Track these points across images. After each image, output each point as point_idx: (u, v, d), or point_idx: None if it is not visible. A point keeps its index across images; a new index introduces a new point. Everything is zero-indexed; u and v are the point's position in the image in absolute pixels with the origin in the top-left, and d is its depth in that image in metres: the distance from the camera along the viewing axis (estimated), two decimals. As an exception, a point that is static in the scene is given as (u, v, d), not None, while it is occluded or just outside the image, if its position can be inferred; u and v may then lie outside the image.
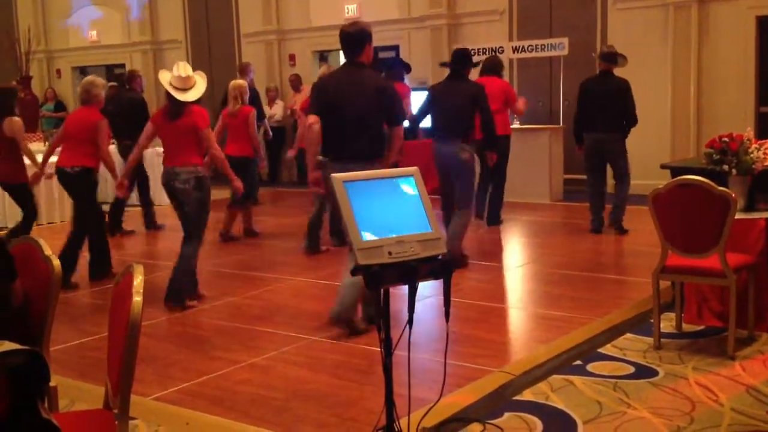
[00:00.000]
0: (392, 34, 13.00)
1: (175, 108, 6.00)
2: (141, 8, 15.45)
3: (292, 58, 14.29)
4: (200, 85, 6.05)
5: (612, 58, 8.27)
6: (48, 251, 3.03)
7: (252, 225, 8.86)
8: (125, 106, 9.25)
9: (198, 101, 6.07)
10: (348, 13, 13.45)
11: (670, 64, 10.54)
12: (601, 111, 8.08)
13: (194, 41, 15.41)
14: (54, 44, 17.64)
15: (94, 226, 7.03)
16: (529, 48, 10.99)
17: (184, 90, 5.96)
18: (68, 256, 6.68)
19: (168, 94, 6.01)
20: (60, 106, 16.14)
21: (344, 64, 5.43)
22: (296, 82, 13.26)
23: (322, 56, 14.50)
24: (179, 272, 6.09)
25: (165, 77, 6.02)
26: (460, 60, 7.20)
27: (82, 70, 17.47)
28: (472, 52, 11.31)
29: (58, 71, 17.70)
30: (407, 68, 9.73)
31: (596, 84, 8.29)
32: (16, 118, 7.25)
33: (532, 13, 11.73)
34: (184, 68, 6.02)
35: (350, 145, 5.19)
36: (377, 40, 14.52)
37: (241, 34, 14.74)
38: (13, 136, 7.13)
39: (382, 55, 13.76)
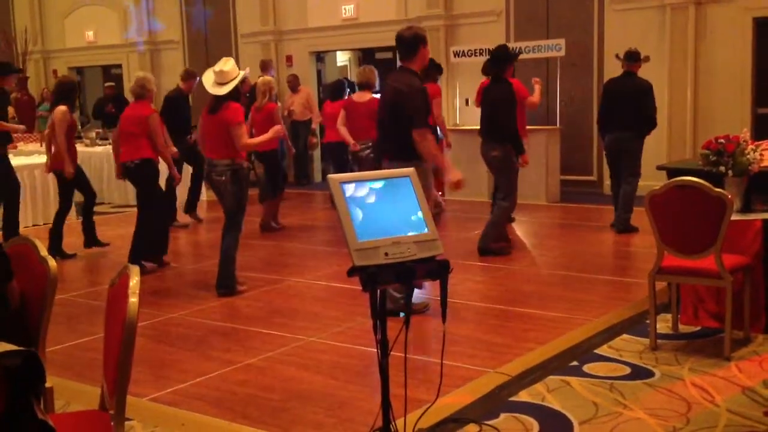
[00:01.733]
0: (389, 35, 12.89)
1: (214, 102, 6.25)
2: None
3: (289, 59, 14.28)
4: (236, 81, 6.22)
5: (635, 57, 8.35)
6: (44, 252, 3.03)
7: (277, 218, 9.28)
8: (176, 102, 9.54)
9: (236, 98, 6.31)
10: (345, 14, 13.44)
11: (666, 65, 10.54)
12: (620, 110, 8.21)
13: (191, 42, 15.39)
14: (50, 44, 17.63)
15: (154, 214, 7.38)
16: (527, 49, 11.00)
17: (221, 84, 6.18)
18: (150, 240, 7.29)
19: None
20: (56, 106, 16.10)
21: (398, 67, 5.89)
22: (294, 83, 13.24)
23: (319, 57, 14.50)
24: (223, 262, 6.36)
25: (209, 73, 6.28)
26: (493, 63, 7.75)
27: (79, 71, 17.48)
28: (476, 51, 11.33)
29: (55, 71, 17.66)
30: (439, 70, 9.82)
31: (617, 84, 8.41)
32: (62, 107, 7.74)
33: (529, 14, 11.73)
34: (223, 63, 6.25)
35: (384, 145, 5.71)
36: (373, 41, 14.55)
37: (239, 35, 14.73)
38: (54, 122, 7.66)
39: (379, 56, 13.77)
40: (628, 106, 8.16)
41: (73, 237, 8.44)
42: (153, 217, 7.37)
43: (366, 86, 8.68)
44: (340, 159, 9.33)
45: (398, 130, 5.50)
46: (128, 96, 15.39)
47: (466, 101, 11.76)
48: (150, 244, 7.38)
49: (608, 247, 8.03)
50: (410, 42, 5.56)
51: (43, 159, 9.10)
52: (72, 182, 7.97)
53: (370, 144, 8.31)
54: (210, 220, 9.88)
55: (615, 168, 8.49)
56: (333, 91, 10.14)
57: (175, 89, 9.74)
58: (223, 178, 6.19)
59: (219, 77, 6.17)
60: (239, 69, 6.33)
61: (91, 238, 8.25)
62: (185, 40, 15.46)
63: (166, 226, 7.74)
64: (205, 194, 10.68)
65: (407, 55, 5.60)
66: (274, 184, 9.00)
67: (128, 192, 10.93)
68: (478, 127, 7.79)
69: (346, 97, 9.45)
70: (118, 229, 9.26)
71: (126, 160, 7.29)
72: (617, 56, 8.68)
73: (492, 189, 9.66)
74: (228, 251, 6.34)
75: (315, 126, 12.68)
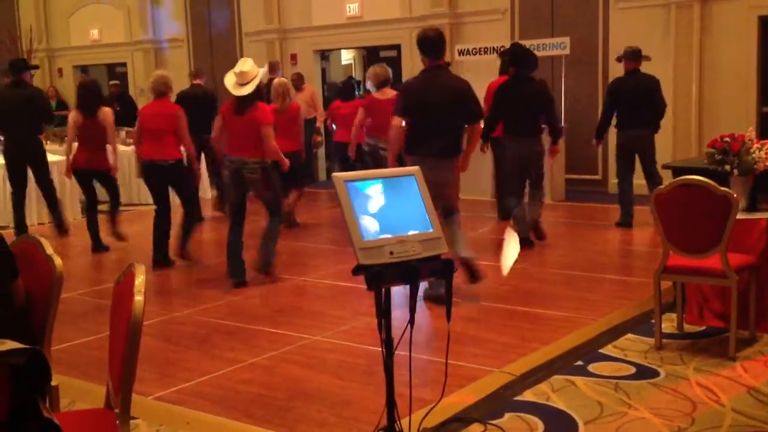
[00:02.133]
0: (394, 33, 12.98)
1: (239, 103, 6.35)
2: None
3: (293, 57, 14.28)
4: (257, 80, 6.33)
5: (638, 56, 8.41)
6: (50, 250, 3.03)
7: (293, 216, 9.32)
8: (198, 99, 9.47)
9: (260, 98, 6.44)
10: (350, 12, 13.43)
11: (671, 63, 10.51)
12: (634, 108, 8.28)
13: (196, 40, 15.39)
14: (55, 43, 17.64)
15: (193, 208, 7.63)
16: (531, 47, 10.97)
17: (242, 85, 6.29)
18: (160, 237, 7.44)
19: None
20: (62, 104, 16.11)
21: (428, 67, 5.93)
22: (298, 81, 13.21)
23: (324, 55, 14.50)
24: (264, 243, 6.67)
25: (230, 75, 6.40)
26: (522, 66, 7.70)
27: (84, 69, 17.49)
28: (475, 51, 11.32)
29: (60, 70, 17.70)
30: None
31: (627, 82, 8.44)
32: (108, 109, 7.94)
33: (534, 13, 11.71)
34: (242, 64, 6.37)
35: (431, 142, 5.74)
36: (378, 40, 14.51)
37: (243, 34, 14.73)
38: (106, 125, 7.78)
39: (383, 54, 13.76)
40: (642, 103, 8.24)
41: (79, 237, 8.45)
42: (194, 211, 7.54)
43: (386, 83, 8.70)
44: (347, 158, 9.32)
45: (451, 127, 5.79)
46: (132, 94, 15.48)
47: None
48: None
49: (613, 247, 8.02)
50: (438, 41, 5.87)
51: (50, 158, 9.08)
52: (112, 178, 8.12)
53: None
54: (213, 218, 9.88)
55: (628, 165, 8.50)
56: (343, 91, 10.19)
57: (198, 86, 9.72)
58: (255, 175, 6.38)
59: (240, 78, 6.26)
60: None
61: (97, 242, 8.25)
62: (190, 39, 15.46)
63: (168, 227, 7.65)
64: (209, 192, 10.71)
65: (438, 53, 5.87)
66: (294, 180, 8.92)
67: (132, 190, 10.92)
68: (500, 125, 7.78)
69: (367, 96, 9.43)
70: (124, 227, 9.25)
71: (158, 159, 7.24)
72: (618, 59, 8.71)
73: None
74: (271, 233, 6.59)
75: (319, 124, 12.67)
